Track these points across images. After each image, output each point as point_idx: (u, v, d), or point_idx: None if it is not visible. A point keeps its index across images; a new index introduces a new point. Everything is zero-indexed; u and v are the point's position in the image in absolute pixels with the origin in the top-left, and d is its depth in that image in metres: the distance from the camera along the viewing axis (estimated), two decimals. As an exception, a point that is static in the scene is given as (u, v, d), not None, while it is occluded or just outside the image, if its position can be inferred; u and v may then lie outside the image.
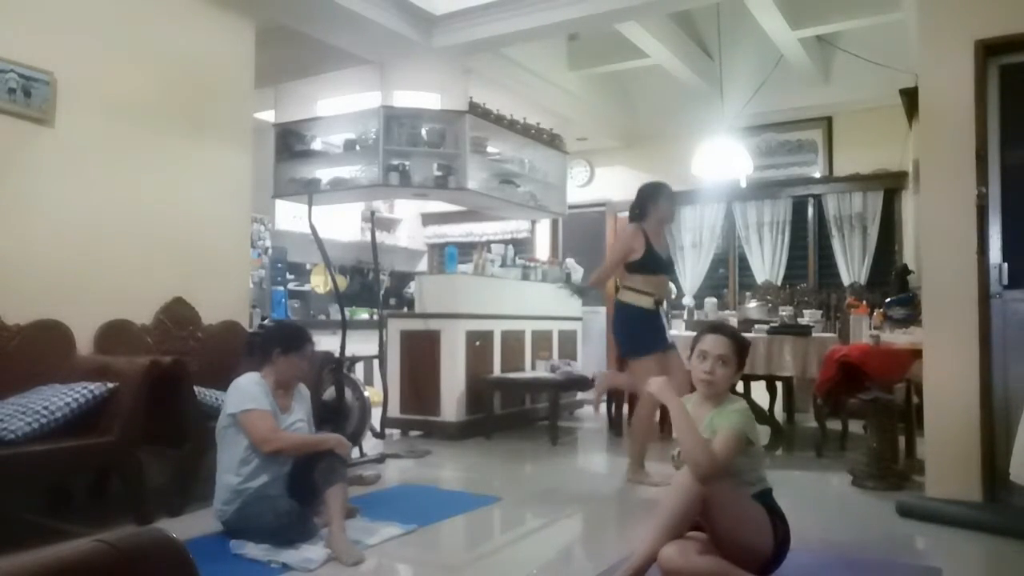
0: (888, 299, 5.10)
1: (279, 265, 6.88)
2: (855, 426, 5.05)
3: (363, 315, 7.00)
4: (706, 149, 6.20)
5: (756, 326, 5.26)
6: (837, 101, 7.08)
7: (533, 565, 2.79)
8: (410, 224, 9.13)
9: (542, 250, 8.57)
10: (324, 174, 5.87)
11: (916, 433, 4.56)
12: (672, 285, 4.86)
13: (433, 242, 9.27)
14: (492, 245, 6.70)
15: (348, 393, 4.60)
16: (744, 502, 2.28)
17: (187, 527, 3.06)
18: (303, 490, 2.95)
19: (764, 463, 2.50)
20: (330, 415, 4.17)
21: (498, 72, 6.16)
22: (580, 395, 6.63)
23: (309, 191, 5.45)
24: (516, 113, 6.27)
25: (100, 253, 3.81)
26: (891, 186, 6.94)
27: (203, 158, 4.38)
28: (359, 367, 6.29)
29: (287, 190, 5.92)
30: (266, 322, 5.63)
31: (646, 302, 4.04)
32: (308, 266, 7.42)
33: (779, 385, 5.89)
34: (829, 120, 7.32)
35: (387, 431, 5.26)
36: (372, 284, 6.40)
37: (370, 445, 4.87)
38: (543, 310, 6.42)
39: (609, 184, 8.31)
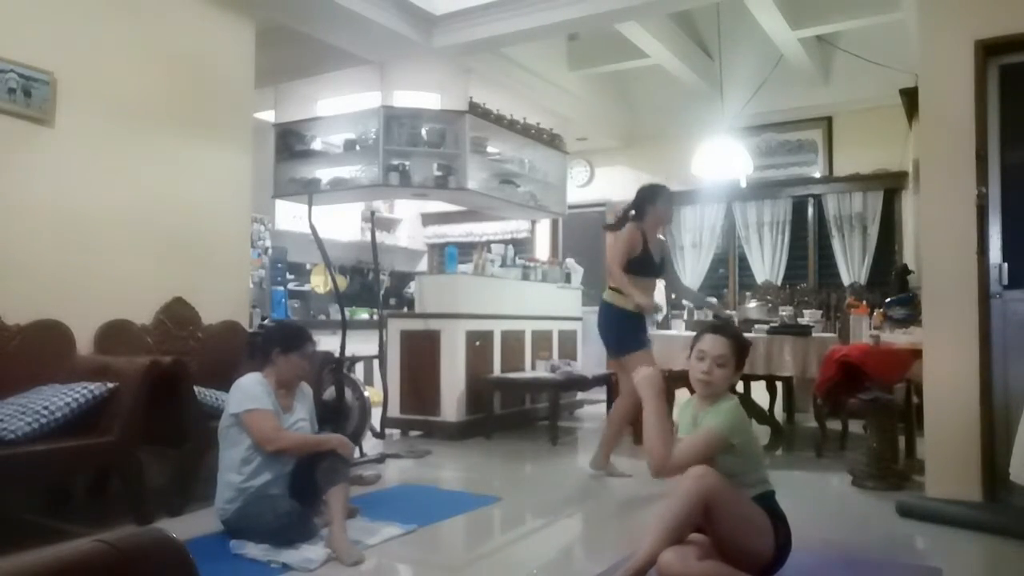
0: (888, 299, 5.09)
1: (279, 265, 6.88)
2: (855, 426, 5.05)
3: (363, 315, 7.00)
4: (706, 149, 6.21)
5: (756, 326, 5.25)
6: (837, 101, 7.09)
7: (533, 565, 2.79)
8: (410, 224, 9.13)
9: (542, 250, 8.58)
10: (324, 174, 5.88)
11: (916, 433, 4.56)
12: (660, 302, 4.81)
13: (433, 242, 9.28)
14: (492, 245, 6.70)
15: (348, 393, 4.60)
16: (746, 506, 2.28)
17: (187, 527, 3.05)
18: (304, 490, 2.95)
19: (764, 464, 2.50)
20: (330, 415, 4.17)
21: (498, 72, 6.16)
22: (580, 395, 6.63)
23: (309, 191, 5.46)
24: (516, 113, 6.27)
25: (100, 253, 3.81)
26: (891, 186, 6.94)
27: (203, 158, 4.38)
28: (359, 367, 6.29)
29: (287, 190, 5.92)
30: (266, 322, 5.63)
31: (629, 305, 4.05)
32: (308, 266, 7.42)
33: (779, 385, 5.89)
34: (829, 120, 7.32)
35: (387, 431, 5.27)
36: (372, 284, 6.40)
37: (370, 445, 4.87)
38: (543, 310, 6.42)
39: (609, 184, 8.31)
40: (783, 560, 2.33)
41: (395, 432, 5.53)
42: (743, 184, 7.00)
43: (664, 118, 7.78)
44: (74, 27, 3.75)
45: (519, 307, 6.12)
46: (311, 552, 2.72)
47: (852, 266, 7.06)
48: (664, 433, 2.35)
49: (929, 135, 3.69)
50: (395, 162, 5.55)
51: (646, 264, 4.11)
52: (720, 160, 6.18)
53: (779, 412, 5.98)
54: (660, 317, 5.61)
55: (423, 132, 5.66)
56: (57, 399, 3.07)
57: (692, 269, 7.79)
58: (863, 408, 4.08)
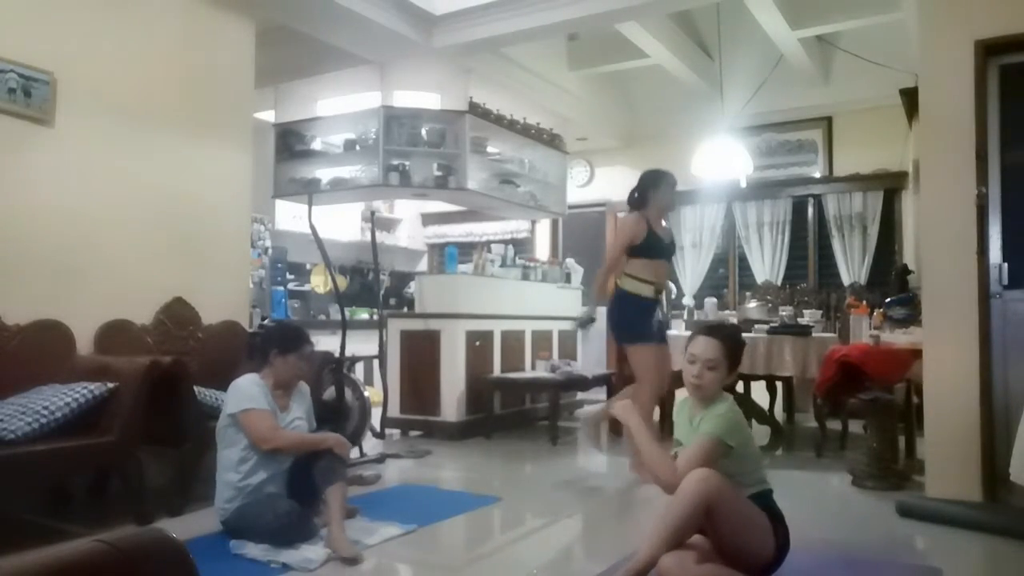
0: (888, 299, 5.09)
1: (279, 265, 6.87)
2: (855, 426, 5.05)
3: (363, 315, 7.00)
4: (706, 149, 6.21)
5: (756, 326, 5.26)
6: (837, 101, 7.08)
7: (533, 565, 2.79)
8: (410, 224, 9.13)
9: (542, 250, 8.57)
10: (324, 174, 5.87)
11: (916, 433, 4.56)
12: (672, 285, 4.79)
13: (433, 242, 9.27)
14: (492, 245, 6.70)
15: (348, 393, 4.60)
16: (747, 509, 2.27)
17: (187, 527, 3.06)
18: (303, 490, 2.96)
19: (762, 464, 2.49)
20: (330, 415, 4.17)
21: (498, 72, 6.16)
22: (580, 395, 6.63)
23: (309, 191, 5.45)
24: (516, 113, 6.27)
25: (100, 253, 3.81)
26: (891, 186, 6.94)
27: (203, 158, 4.38)
28: (359, 367, 6.29)
29: (287, 190, 5.92)
30: (266, 322, 5.63)
31: (646, 290, 4.01)
32: (308, 266, 7.42)
33: (779, 385, 5.89)
34: (829, 120, 7.32)
35: (387, 431, 5.26)
36: (372, 284, 6.40)
37: (370, 445, 4.87)
38: (543, 310, 6.42)
39: (609, 184, 8.30)
40: (782, 560, 2.33)
41: (395, 432, 5.53)
42: (743, 184, 7.00)
43: (664, 118, 7.78)
44: (74, 27, 3.75)
45: (519, 307, 6.12)
46: (311, 552, 2.72)
47: (852, 266, 7.06)
48: (663, 455, 2.35)
49: (929, 135, 3.68)
50: (395, 162, 5.55)
51: (655, 246, 4.06)
52: (720, 160, 6.18)
53: (779, 412, 5.98)
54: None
55: (423, 132, 5.66)
56: (57, 399, 3.07)
57: (692, 269, 7.79)
58: (863, 408, 4.08)
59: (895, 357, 4.07)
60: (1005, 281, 3.45)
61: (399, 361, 5.59)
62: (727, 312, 6.30)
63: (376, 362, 5.44)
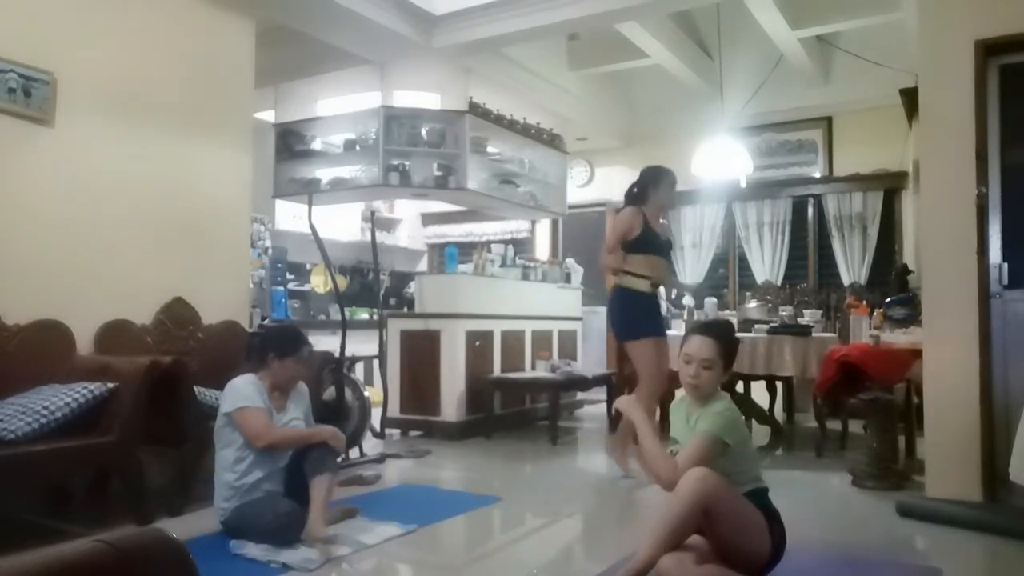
0: (888, 299, 5.09)
1: (279, 265, 6.88)
2: (855, 426, 5.05)
3: (363, 315, 7.00)
4: (706, 149, 6.20)
5: (756, 326, 5.26)
6: (837, 101, 7.08)
7: (533, 565, 2.79)
8: (410, 224, 9.13)
9: (542, 250, 8.57)
10: (324, 174, 5.88)
11: (916, 433, 4.56)
12: (674, 287, 4.78)
13: (433, 242, 9.27)
14: (492, 245, 6.70)
15: (348, 393, 4.60)
16: (744, 508, 2.27)
17: (187, 527, 3.06)
18: (301, 489, 2.95)
19: (758, 462, 2.49)
20: (330, 415, 4.17)
21: (498, 72, 6.16)
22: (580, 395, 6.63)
23: (309, 191, 5.45)
24: (516, 113, 6.27)
25: (100, 253, 3.81)
26: (891, 186, 6.94)
27: (203, 158, 4.38)
28: (359, 367, 6.28)
29: (287, 190, 5.92)
30: (266, 322, 5.63)
31: (643, 285, 4.01)
32: (308, 266, 7.42)
33: (779, 385, 5.89)
34: (829, 120, 7.32)
35: (387, 431, 5.26)
36: (372, 284, 6.40)
37: (370, 445, 4.87)
38: (543, 310, 6.42)
39: (609, 184, 8.29)
40: (779, 559, 2.33)
41: (395, 432, 5.53)
42: (743, 184, 7.00)
43: (664, 118, 7.78)
44: (74, 27, 3.75)
45: (519, 307, 6.12)
46: (311, 552, 2.72)
47: (852, 266, 7.06)
48: (664, 452, 2.35)
49: (929, 135, 3.68)
50: (395, 162, 5.55)
51: (651, 242, 4.05)
52: (720, 160, 6.18)
53: (779, 412, 5.98)
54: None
55: (423, 132, 5.66)
56: (57, 399, 3.07)
57: (692, 269, 7.79)
58: (863, 408, 4.08)
59: (895, 357, 4.07)
60: (1005, 281, 3.45)
61: (399, 361, 5.59)
62: (727, 312, 6.29)
63: (376, 362, 5.44)
